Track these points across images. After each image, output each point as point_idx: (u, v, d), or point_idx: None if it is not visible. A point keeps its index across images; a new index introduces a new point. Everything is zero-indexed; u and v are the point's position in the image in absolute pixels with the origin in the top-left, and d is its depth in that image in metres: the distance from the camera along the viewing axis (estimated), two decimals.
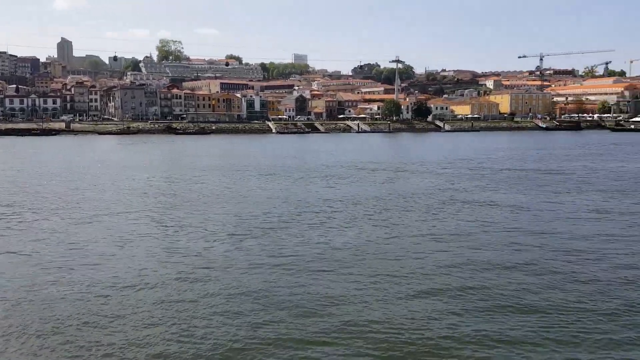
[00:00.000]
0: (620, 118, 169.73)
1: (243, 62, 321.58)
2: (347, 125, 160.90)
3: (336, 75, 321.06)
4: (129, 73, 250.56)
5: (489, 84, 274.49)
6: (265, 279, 14.43)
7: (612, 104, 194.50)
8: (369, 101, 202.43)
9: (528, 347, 10.32)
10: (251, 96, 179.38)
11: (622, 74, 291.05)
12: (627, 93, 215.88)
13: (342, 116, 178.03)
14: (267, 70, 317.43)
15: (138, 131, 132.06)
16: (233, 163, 51.05)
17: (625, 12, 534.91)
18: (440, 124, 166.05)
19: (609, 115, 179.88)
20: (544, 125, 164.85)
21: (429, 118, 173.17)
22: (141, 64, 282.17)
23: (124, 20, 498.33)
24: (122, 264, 15.85)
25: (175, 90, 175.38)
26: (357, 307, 12.33)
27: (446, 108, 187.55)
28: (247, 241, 18.59)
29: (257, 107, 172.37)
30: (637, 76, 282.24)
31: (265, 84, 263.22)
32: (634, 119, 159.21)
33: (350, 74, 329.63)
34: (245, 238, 19.04)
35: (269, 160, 54.14)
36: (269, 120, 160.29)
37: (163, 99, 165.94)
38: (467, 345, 10.41)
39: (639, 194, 29.30)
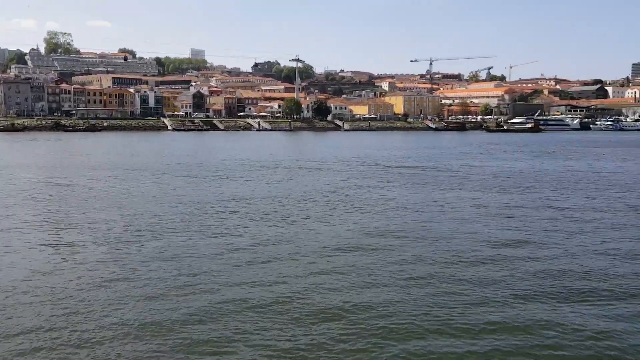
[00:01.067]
0: (501, 120, 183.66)
1: (137, 56, 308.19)
2: (248, 123, 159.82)
3: (235, 72, 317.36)
4: (13, 66, 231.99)
5: (385, 85, 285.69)
6: (154, 282, 14.03)
7: (493, 107, 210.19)
8: (270, 99, 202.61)
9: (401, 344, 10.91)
10: (145, 92, 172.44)
11: (502, 78, 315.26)
12: (506, 96, 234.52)
13: (242, 114, 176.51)
14: (162, 65, 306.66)
15: (24, 128, 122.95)
16: (124, 162, 48.87)
17: (505, 20, 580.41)
18: (340, 123, 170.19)
19: (490, 117, 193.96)
20: (434, 126, 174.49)
21: (329, 117, 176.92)
22: (27, 57, 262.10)
23: (8, 8, 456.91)
24: None
25: (64, 85, 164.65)
26: (248, 305, 12.36)
27: (345, 108, 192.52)
28: (136, 245, 17.93)
29: (151, 103, 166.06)
30: (515, 81, 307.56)
31: (160, 79, 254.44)
32: (512, 121, 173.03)
33: (250, 71, 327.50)
34: (133, 242, 18.34)
35: (163, 159, 52.45)
36: (165, 117, 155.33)
37: (51, 94, 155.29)
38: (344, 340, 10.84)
39: (514, 190, 31.89)
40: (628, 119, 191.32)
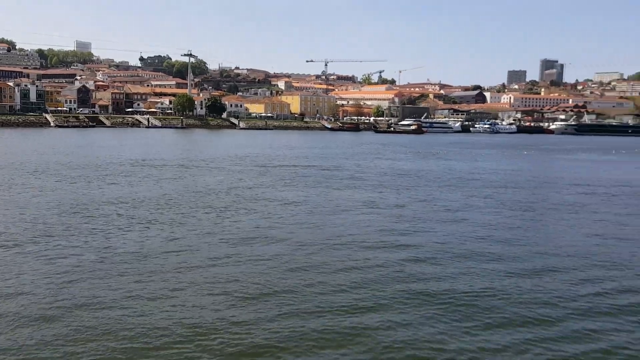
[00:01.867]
0: (392, 121, 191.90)
1: (17, 47, 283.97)
2: (137, 120, 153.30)
3: (124, 66, 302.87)
4: None
5: (281, 84, 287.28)
6: (31, 291, 12.96)
7: (385, 109, 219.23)
8: (161, 95, 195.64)
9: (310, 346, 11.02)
10: (26, 85, 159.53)
11: (393, 82, 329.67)
12: (397, 99, 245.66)
13: (130, 110, 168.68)
14: (45, 57, 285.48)
15: None
16: None
17: (395, 26, 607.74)
18: (235, 121, 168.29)
19: (382, 118, 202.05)
20: (329, 126, 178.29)
21: (224, 115, 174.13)
22: None
23: None
24: None
25: None
26: (133, 309, 11.81)
27: (241, 106, 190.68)
28: (10, 251, 16.47)
29: (32, 97, 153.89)
30: (404, 85, 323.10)
31: (43, 72, 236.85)
32: (402, 123, 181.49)
33: (140, 65, 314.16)
34: (6, 249, 16.84)
35: (43, 157, 48.68)
36: (47, 113, 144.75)
37: None
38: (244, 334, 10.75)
39: (402, 189, 33.36)
40: (503, 123, 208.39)
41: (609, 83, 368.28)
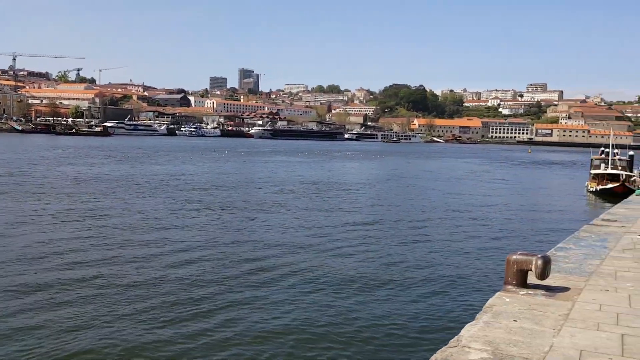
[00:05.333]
0: (93, 123, 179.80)
1: None
2: None
3: None
4: None
5: None
6: None
7: (84, 109, 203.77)
8: None
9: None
10: None
11: (93, 81, 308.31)
12: (97, 100, 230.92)
13: None
14: None
15: None
16: None
17: (94, 20, 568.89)
18: None
19: (82, 119, 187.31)
20: (20, 128, 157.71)
21: None
22: None
23: None
24: None
25: None
26: None
27: None
28: None
29: None
30: (106, 84, 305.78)
31: None
32: (104, 124, 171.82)
33: None
34: None
35: None
36: None
37: None
38: None
39: (99, 196, 31.28)
40: (208, 127, 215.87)
41: (297, 93, 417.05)
